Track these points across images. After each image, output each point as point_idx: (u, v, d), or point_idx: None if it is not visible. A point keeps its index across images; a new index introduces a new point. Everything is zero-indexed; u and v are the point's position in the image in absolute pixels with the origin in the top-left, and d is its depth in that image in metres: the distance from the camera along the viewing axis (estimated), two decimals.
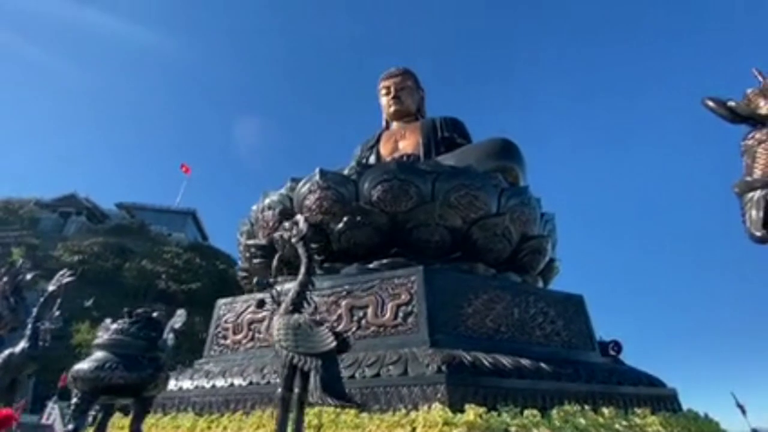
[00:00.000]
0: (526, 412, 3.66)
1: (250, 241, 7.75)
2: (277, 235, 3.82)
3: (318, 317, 5.69)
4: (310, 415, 3.85)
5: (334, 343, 2.36)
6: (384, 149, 11.61)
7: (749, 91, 3.36)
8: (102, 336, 3.05)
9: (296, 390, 2.41)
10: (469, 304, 5.24)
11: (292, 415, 2.51)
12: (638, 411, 4.36)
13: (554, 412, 3.82)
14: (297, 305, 2.81)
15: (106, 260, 38.82)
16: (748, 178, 2.93)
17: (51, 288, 4.17)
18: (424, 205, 6.36)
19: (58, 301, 4.21)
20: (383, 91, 12.76)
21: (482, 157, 8.10)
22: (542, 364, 4.52)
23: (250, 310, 6.22)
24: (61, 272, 4.29)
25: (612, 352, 11.79)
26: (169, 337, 2.99)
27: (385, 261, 6.11)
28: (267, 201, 7.44)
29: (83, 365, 2.91)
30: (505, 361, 4.35)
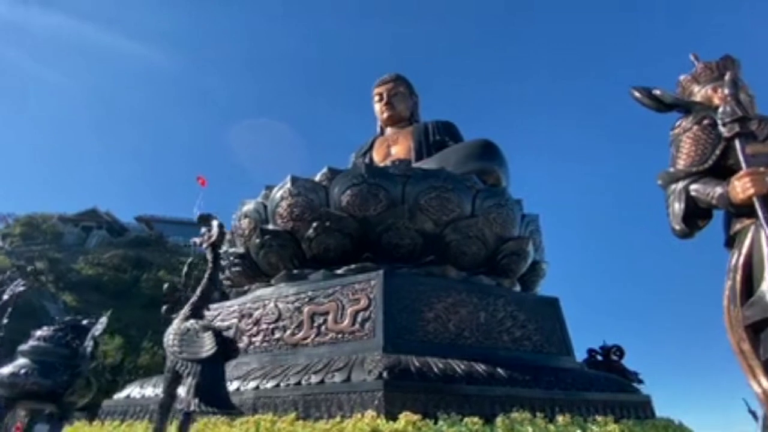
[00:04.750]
0: (466, 420, 3.52)
1: (231, 250, 7.81)
2: (192, 240, 3.81)
3: (282, 324, 5.71)
4: (249, 423, 3.80)
5: (215, 349, 2.31)
6: (377, 155, 11.59)
7: (682, 77, 3.20)
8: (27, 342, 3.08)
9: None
10: (430, 308, 5.12)
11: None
12: (599, 418, 4.15)
13: (499, 419, 3.66)
14: (196, 311, 2.77)
15: (125, 272, 39.78)
16: (671, 169, 2.77)
17: (5, 297, 4.26)
18: (393, 209, 6.29)
19: (9, 309, 4.29)
20: (376, 98, 12.77)
21: (462, 160, 8.00)
22: (499, 369, 4.36)
23: (220, 317, 6.23)
24: (16, 282, 4.39)
25: (614, 357, 11.38)
26: (89, 344, 3.00)
27: (353, 266, 6.03)
28: (244, 209, 7.48)
29: (3, 370, 2.94)
30: (457, 366, 4.21)
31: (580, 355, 9.64)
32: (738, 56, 2.98)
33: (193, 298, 2.85)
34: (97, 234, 45.13)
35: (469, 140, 8.66)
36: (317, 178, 6.89)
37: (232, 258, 7.77)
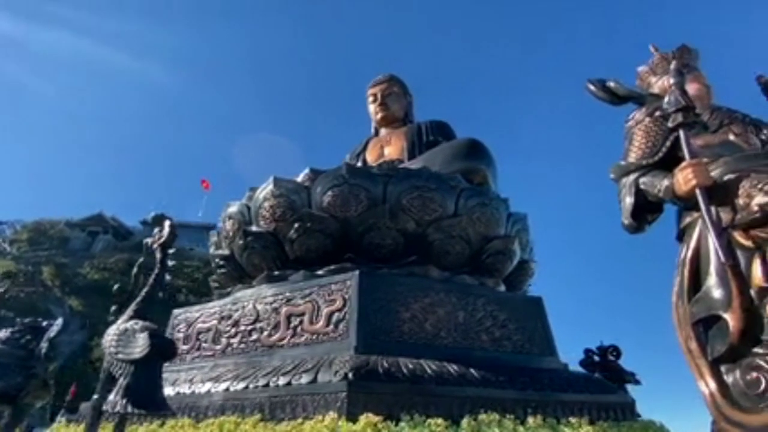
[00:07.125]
0: (430, 421, 3.46)
1: (217, 252, 7.82)
2: (145, 241, 3.80)
3: (259, 325, 5.68)
4: (214, 425, 3.77)
5: (148, 350, 2.28)
6: (370, 156, 11.53)
7: (641, 68, 3.14)
8: None
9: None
10: (407, 308, 5.06)
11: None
12: (573, 420, 4.06)
13: (465, 421, 3.60)
14: (139, 312, 2.74)
15: (131, 276, 40.09)
16: (623, 162, 2.70)
17: None
18: (374, 209, 6.24)
19: None
20: (370, 99, 12.69)
21: (448, 159, 7.94)
22: (471, 370, 4.30)
23: (201, 319, 6.23)
24: None
25: (611, 357, 11.21)
26: (43, 345, 2.99)
27: (332, 267, 5.99)
28: (228, 211, 7.48)
29: None
30: (428, 366, 4.15)
31: (578, 356, 9.50)
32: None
33: (138, 299, 2.83)
34: (102, 239, 45.56)
35: (456, 139, 8.60)
36: (299, 178, 6.88)
37: (217, 260, 7.80)
